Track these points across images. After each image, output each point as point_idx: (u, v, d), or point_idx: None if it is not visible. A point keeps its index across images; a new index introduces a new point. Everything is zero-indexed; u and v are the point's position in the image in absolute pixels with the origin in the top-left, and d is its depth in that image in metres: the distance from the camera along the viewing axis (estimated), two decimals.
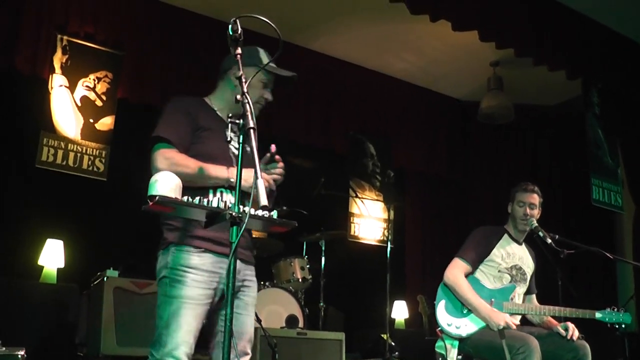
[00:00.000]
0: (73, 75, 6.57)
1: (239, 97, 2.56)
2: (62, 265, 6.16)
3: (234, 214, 2.39)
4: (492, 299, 4.56)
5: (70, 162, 6.37)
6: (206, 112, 3.22)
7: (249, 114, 2.49)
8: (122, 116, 6.74)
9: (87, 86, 6.63)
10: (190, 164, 2.93)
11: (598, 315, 4.45)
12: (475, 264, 4.68)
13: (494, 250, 4.72)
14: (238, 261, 3.01)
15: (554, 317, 4.64)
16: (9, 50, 6.20)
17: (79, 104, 6.55)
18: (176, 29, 7.19)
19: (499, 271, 4.69)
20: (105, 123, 6.66)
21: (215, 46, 7.23)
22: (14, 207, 6.16)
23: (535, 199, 4.83)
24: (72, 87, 6.55)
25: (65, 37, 6.53)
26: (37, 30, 6.39)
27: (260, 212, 2.50)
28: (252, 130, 2.46)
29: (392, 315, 8.21)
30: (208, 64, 7.26)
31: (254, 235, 3.55)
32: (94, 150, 6.52)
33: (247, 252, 3.16)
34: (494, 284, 4.68)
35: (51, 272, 6.08)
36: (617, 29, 7.46)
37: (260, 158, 2.93)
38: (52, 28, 6.48)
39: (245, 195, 2.73)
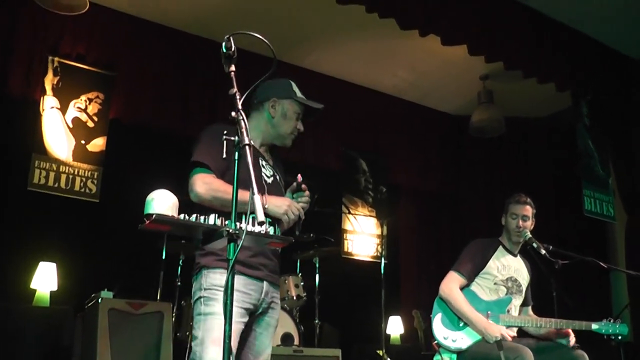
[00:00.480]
0: (64, 97, 6.57)
1: (233, 114, 2.59)
2: (55, 288, 6.09)
3: (230, 230, 2.38)
4: (489, 312, 4.57)
5: (62, 184, 6.35)
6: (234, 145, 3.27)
7: (244, 130, 2.51)
8: (114, 137, 6.73)
9: (78, 107, 6.63)
10: (228, 189, 2.99)
11: (595, 326, 4.46)
12: (471, 276, 4.69)
13: (490, 263, 4.74)
14: (267, 283, 3.17)
15: None
16: (0, 72, 6.19)
17: (71, 126, 6.55)
18: (168, 50, 7.20)
19: (495, 283, 4.70)
20: (97, 144, 6.65)
21: (208, 66, 7.25)
22: (6, 230, 6.12)
23: (528, 210, 4.85)
24: (63, 109, 6.54)
25: (56, 59, 6.54)
26: (29, 52, 6.40)
27: (257, 229, 2.51)
28: (247, 147, 2.48)
29: (388, 331, 8.18)
30: (201, 84, 7.30)
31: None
32: (86, 171, 6.51)
33: (276, 275, 3.27)
34: (490, 296, 4.68)
35: (44, 296, 6.02)
36: (606, 41, 7.53)
37: (286, 186, 3.28)
38: (43, 50, 6.48)
39: (275, 222, 3.03)
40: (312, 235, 6.02)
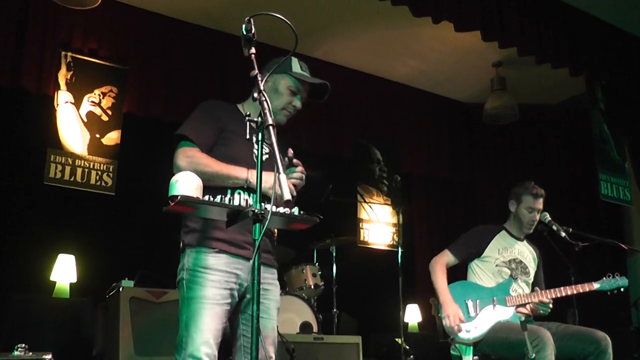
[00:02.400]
0: (78, 91, 6.58)
1: (255, 95, 2.57)
2: (74, 280, 6.15)
3: (256, 211, 2.37)
4: (494, 297, 4.56)
5: (78, 178, 6.37)
6: (234, 116, 3.22)
7: (267, 111, 2.49)
8: (128, 130, 6.75)
9: (92, 101, 6.64)
10: (211, 163, 2.96)
11: (596, 285, 4.48)
12: (462, 258, 4.81)
13: (489, 246, 4.79)
14: None
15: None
16: (15, 68, 6.22)
17: (85, 120, 6.56)
18: (180, 42, 7.21)
19: (497, 266, 4.71)
20: (112, 138, 6.66)
21: (219, 58, 7.26)
22: (24, 224, 6.18)
23: (542, 203, 4.83)
24: (77, 103, 6.56)
25: (69, 54, 6.55)
26: (42, 48, 6.40)
27: (282, 209, 2.50)
28: (271, 127, 2.45)
29: (405, 319, 8.18)
30: (214, 76, 7.31)
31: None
32: (101, 165, 6.53)
33: (267, 255, 3.18)
34: (494, 280, 4.69)
35: (64, 287, 6.08)
36: (619, 24, 7.48)
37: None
38: (56, 45, 6.49)
39: (264, 199, 2.78)
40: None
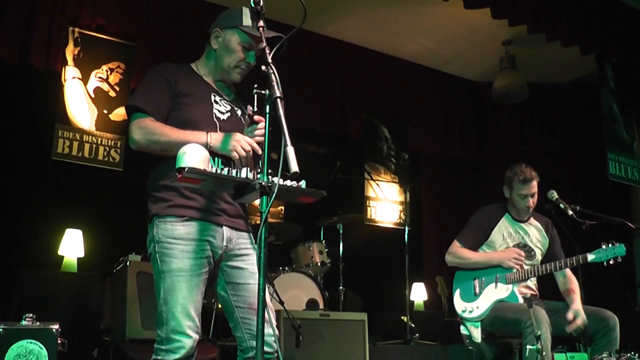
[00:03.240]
0: (86, 67, 6.57)
1: (263, 67, 2.47)
2: (82, 254, 6.19)
3: (263, 183, 2.35)
4: (497, 274, 4.58)
5: (86, 154, 6.37)
6: (189, 77, 3.11)
7: (274, 83, 2.41)
8: None
9: (100, 77, 6.64)
10: (166, 131, 2.84)
11: (590, 257, 4.35)
12: (472, 247, 4.73)
13: (494, 231, 4.76)
14: (227, 229, 2.96)
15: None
16: (22, 44, 6.20)
17: (93, 96, 6.55)
18: (187, 19, 7.16)
19: (502, 251, 4.69)
20: (120, 114, 6.65)
21: None
22: (32, 199, 6.21)
23: (535, 185, 4.73)
24: (85, 79, 6.55)
25: (77, 29, 6.53)
26: (49, 24, 6.39)
27: (288, 182, 2.49)
28: (279, 100, 2.39)
29: (411, 298, 8.20)
30: None
31: (270, 220, 3.47)
32: (109, 140, 6.53)
33: (239, 219, 3.03)
34: None
35: (72, 262, 6.13)
36: (630, 2, 7.41)
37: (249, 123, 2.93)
38: (63, 21, 6.47)
39: (226, 161, 2.79)
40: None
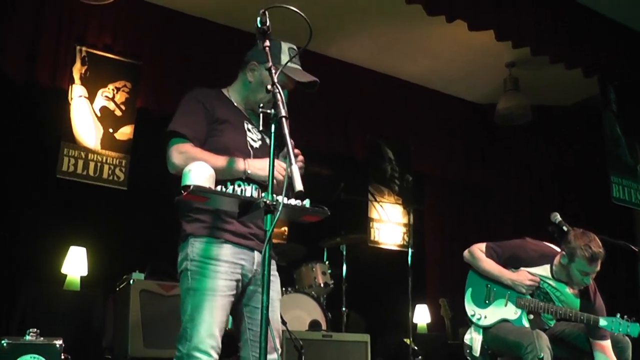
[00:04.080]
0: (92, 86, 6.60)
1: (269, 87, 2.54)
2: (85, 272, 6.20)
3: (267, 202, 2.38)
4: (508, 292, 4.56)
5: (91, 172, 6.39)
6: (223, 104, 3.19)
7: (280, 103, 2.48)
8: (141, 125, 6.77)
9: (106, 96, 6.67)
10: (205, 157, 2.86)
11: (602, 323, 4.21)
12: (495, 259, 4.65)
13: (524, 268, 4.58)
14: (258, 253, 3.01)
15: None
16: (29, 62, 6.24)
17: (99, 114, 6.58)
18: (195, 39, 7.21)
19: None
20: (125, 132, 6.69)
21: (233, 55, 7.25)
22: (37, 216, 6.20)
23: (599, 265, 4.33)
24: (91, 98, 6.58)
25: (84, 48, 6.58)
26: (57, 42, 6.42)
27: (293, 201, 2.51)
28: (284, 119, 2.45)
29: (414, 320, 8.18)
30: (228, 74, 7.31)
31: (274, 241, 3.51)
32: (114, 159, 6.55)
33: None
34: None
35: (75, 280, 6.13)
36: (633, 26, 7.45)
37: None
38: (71, 39, 6.52)
39: (262, 187, 2.81)
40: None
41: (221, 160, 2.91)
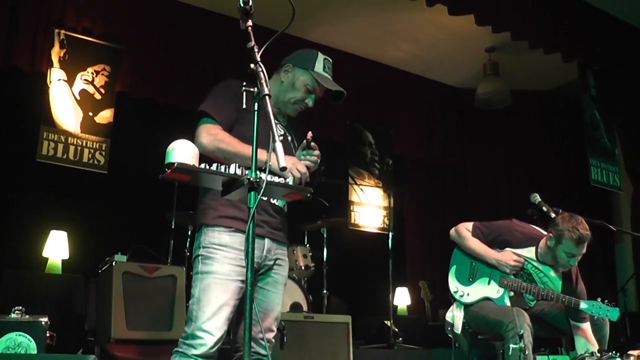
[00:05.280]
0: (71, 69, 6.57)
1: (252, 65, 2.56)
2: (66, 256, 6.18)
3: (251, 179, 2.39)
4: (492, 270, 4.59)
5: (71, 156, 6.37)
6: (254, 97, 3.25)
7: (263, 81, 2.50)
8: (121, 109, 6.75)
9: (85, 80, 6.63)
10: (233, 143, 2.97)
11: (583, 306, 4.24)
12: (481, 238, 4.68)
13: (511, 248, 4.60)
14: (269, 240, 3.11)
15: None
16: (8, 45, 6.20)
17: (78, 98, 6.55)
18: (174, 23, 7.19)
19: None
20: (105, 116, 6.66)
21: (214, 39, 7.25)
22: (17, 200, 6.19)
23: (585, 247, 4.36)
24: (70, 81, 6.55)
25: (62, 31, 6.53)
26: (35, 25, 6.39)
27: (276, 179, 2.53)
28: (267, 97, 2.47)
29: (395, 302, 8.23)
30: (208, 58, 7.31)
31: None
32: (94, 143, 6.52)
33: (280, 232, 3.19)
34: None
35: (56, 264, 6.12)
36: (612, 12, 7.51)
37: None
38: (49, 22, 6.48)
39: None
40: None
41: (247, 148, 2.92)
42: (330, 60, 3.38)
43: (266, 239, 3.10)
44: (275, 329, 3.14)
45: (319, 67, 3.31)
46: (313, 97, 3.35)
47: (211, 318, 2.86)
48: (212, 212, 3.05)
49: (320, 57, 3.34)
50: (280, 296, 3.21)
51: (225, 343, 2.98)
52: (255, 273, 3.09)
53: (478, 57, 8.28)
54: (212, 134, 3.01)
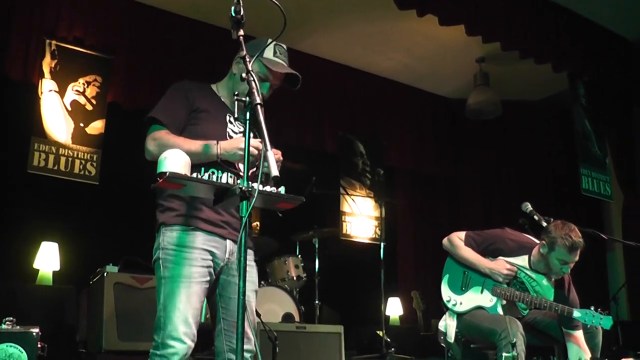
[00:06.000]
0: (63, 80, 6.55)
1: (243, 75, 2.57)
2: (57, 267, 6.15)
3: (243, 188, 2.39)
4: (485, 279, 4.60)
5: (62, 167, 6.34)
6: (207, 96, 3.24)
7: (254, 90, 2.49)
8: (113, 120, 6.73)
9: (77, 90, 6.62)
10: (178, 142, 2.90)
11: (576, 314, 4.22)
12: (473, 247, 4.68)
13: (503, 257, 4.60)
14: (231, 242, 3.02)
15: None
16: None
17: (69, 109, 6.54)
18: (166, 34, 7.20)
19: None
20: (96, 127, 6.64)
21: (205, 50, 7.26)
22: (8, 212, 6.15)
23: (578, 254, 4.37)
24: (61, 92, 6.53)
25: (54, 42, 6.52)
26: (27, 36, 6.38)
27: (268, 188, 2.52)
28: (259, 107, 2.46)
29: (387, 312, 8.23)
30: (198, 69, 7.31)
31: None
32: (85, 154, 6.50)
33: None
34: None
35: (47, 275, 6.08)
36: (602, 22, 7.56)
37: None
38: (41, 33, 6.46)
39: (237, 176, 2.86)
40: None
41: (194, 145, 2.92)
42: (284, 47, 3.29)
43: (228, 240, 3.02)
44: (252, 337, 2.97)
45: (268, 53, 3.20)
46: (267, 85, 3.24)
47: (180, 325, 2.80)
48: (170, 212, 2.99)
49: (271, 44, 3.21)
50: (253, 304, 3.12)
51: (205, 353, 2.95)
52: (218, 277, 3.03)
53: (469, 67, 8.32)
54: (155, 139, 2.97)
